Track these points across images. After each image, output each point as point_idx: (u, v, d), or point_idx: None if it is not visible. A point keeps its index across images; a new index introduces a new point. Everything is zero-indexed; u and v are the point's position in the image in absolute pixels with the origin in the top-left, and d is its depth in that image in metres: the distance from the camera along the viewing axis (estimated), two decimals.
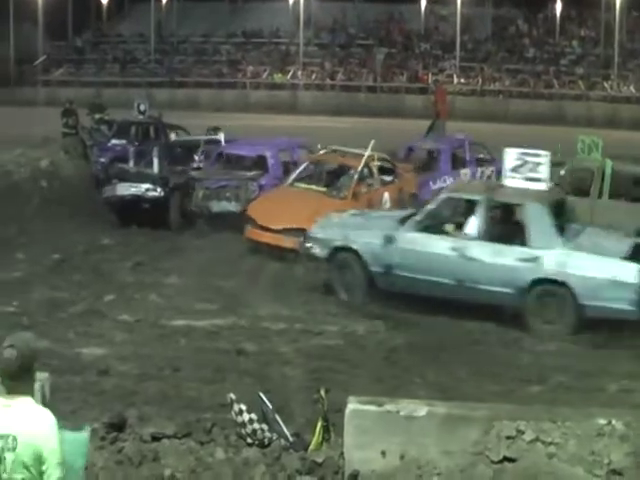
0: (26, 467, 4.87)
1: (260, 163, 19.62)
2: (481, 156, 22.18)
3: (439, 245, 13.62)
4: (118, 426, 8.45)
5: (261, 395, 8.13)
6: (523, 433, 7.06)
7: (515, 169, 13.91)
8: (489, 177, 20.80)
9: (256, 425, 7.92)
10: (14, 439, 4.84)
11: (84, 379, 10.82)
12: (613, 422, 7.07)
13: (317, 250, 14.48)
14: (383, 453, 7.19)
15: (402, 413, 7.23)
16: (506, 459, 7.00)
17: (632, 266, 12.70)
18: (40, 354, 5.06)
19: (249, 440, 7.91)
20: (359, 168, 17.47)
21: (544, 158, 13.90)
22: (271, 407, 8.07)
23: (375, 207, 17.17)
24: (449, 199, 14.26)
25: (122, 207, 18.82)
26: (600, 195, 17.23)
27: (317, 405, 7.96)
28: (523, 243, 13.21)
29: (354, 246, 14.09)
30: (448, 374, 11.31)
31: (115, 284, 15.01)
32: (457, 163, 21.46)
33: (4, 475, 4.88)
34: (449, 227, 13.82)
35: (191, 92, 45.06)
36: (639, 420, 7.15)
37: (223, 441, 8.06)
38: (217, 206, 18.38)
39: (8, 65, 46.98)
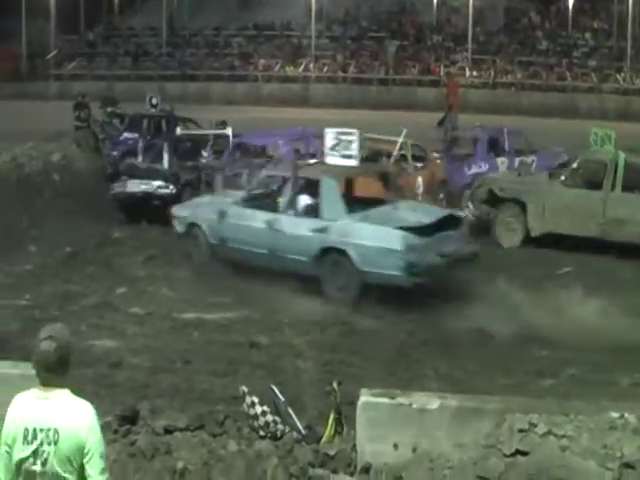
0: (68, 460, 4.81)
1: (275, 152, 20.29)
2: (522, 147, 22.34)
3: (257, 219, 14.89)
4: (130, 419, 8.47)
5: (273, 388, 8.14)
6: (535, 426, 7.04)
7: (333, 148, 14.97)
8: (528, 166, 20.99)
9: (269, 417, 7.92)
10: (55, 432, 4.78)
11: (96, 372, 10.85)
12: (626, 415, 7.05)
13: (177, 226, 16.11)
14: (395, 446, 7.19)
15: (414, 406, 7.23)
16: (518, 452, 6.98)
17: (397, 233, 13.50)
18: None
19: (261, 432, 7.91)
20: (394, 153, 18.62)
21: (354, 136, 14.81)
22: (283, 400, 8.08)
23: (409, 190, 18.01)
24: (267, 177, 15.91)
25: (131, 204, 18.89)
26: (613, 188, 17.17)
27: (329, 398, 7.96)
28: (317, 215, 14.28)
29: (198, 222, 15.62)
30: (460, 367, 11.30)
31: (127, 277, 15.04)
32: (495, 151, 21.77)
33: (46, 468, 4.80)
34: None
35: (203, 85, 45.05)
36: None
37: (235, 433, 8.07)
38: None
39: (20, 60, 47.08)
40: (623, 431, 6.99)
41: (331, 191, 14.32)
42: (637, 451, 6.91)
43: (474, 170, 20.93)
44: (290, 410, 7.99)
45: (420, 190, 18.69)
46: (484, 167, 21.02)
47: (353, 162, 14.79)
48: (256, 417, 7.95)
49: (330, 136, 15.10)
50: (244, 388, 8.12)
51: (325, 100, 42.49)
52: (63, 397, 4.84)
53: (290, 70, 46.79)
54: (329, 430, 7.75)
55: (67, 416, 4.80)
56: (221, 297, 13.86)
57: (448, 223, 14.32)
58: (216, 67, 47.29)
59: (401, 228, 13.62)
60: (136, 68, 46.96)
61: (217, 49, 49.51)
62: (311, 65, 46.87)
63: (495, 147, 21.88)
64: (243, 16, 52.08)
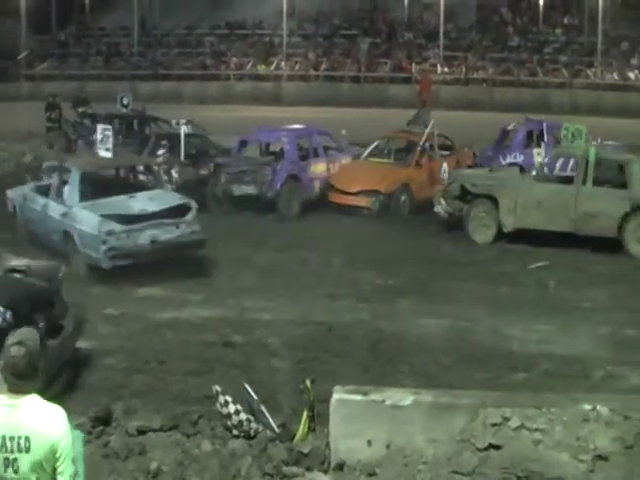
0: (41, 466, 4.74)
1: (277, 149, 21.10)
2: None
3: (38, 203, 16.56)
4: (104, 420, 8.45)
5: (246, 386, 8.14)
6: (509, 420, 7.06)
7: (101, 142, 16.84)
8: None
9: (242, 416, 7.92)
10: (27, 440, 4.70)
11: (70, 372, 10.79)
12: (598, 408, 7.08)
13: (9, 206, 17.80)
14: (369, 442, 7.20)
15: (388, 402, 7.23)
16: (492, 446, 7.01)
17: (97, 220, 14.81)
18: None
19: (235, 432, 7.91)
20: (421, 142, 20.62)
21: (109, 132, 16.79)
22: (257, 398, 8.08)
23: (435, 175, 20.29)
24: (49, 167, 17.50)
25: None
26: (584, 182, 17.25)
27: (303, 396, 7.96)
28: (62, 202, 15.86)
29: (15, 203, 17.60)
30: (434, 362, 11.32)
31: (100, 277, 14.97)
32: (532, 142, 22.26)
33: (19, 475, 4.72)
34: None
35: (175, 84, 44.86)
36: (624, 405, 7.17)
37: (209, 433, 8.06)
38: (238, 189, 19.67)
39: None
40: (596, 423, 7.02)
41: (74, 180, 15.73)
42: (610, 443, 6.95)
43: (509, 160, 21.85)
44: (263, 408, 7.99)
45: (445, 175, 20.21)
46: (519, 158, 21.80)
47: (109, 154, 16.69)
48: (230, 416, 7.95)
49: (99, 131, 16.99)
50: (217, 387, 8.10)
51: (297, 98, 42.41)
52: (33, 403, 4.77)
53: (262, 68, 46.71)
54: (303, 428, 7.75)
55: (39, 422, 4.73)
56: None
57: (179, 211, 15.44)
58: (188, 66, 47.14)
59: (107, 216, 14.87)
60: (108, 68, 46.75)
61: (189, 48, 49.35)
62: (283, 63, 46.80)
63: (532, 139, 22.41)
64: (215, 15, 51.95)
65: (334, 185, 20.11)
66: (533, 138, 22.39)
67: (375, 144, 21.46)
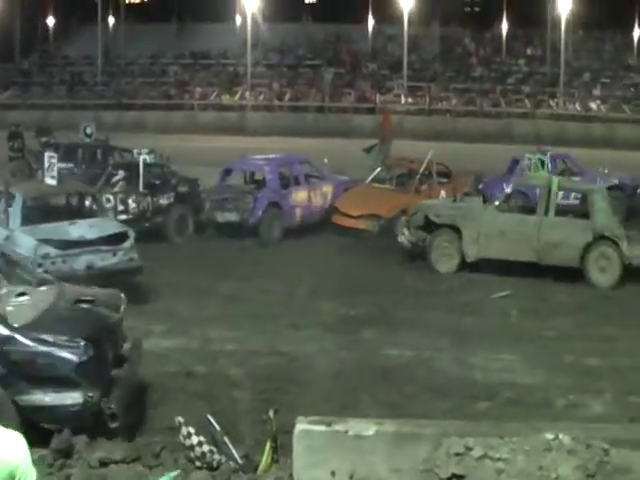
0: None
1: (260, 177, 21.77)
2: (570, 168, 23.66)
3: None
4: (66, 452, 8.37)
5: (209, 417, 8.09)
6: (471, 449, 7.06)
7: (47, 169, 16.85)
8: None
9: (205, 448, 7.88)
10: None
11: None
12: (560, 436, 7.10)
13: None
14: (332, 473, 7.17)
15: (351, 432, 7.22)
16: (455, 476, 7.00)
17: (33, 244, 14.90)
18: None
19: (198, 463, 7.86)
20: (420, 170, 21.56)
21: (54, 160, 16.77)
22: (220, 429, 8.04)
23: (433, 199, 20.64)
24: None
25: None
26: (547, 212, 17.38)
27: (266, 426, 7.93)
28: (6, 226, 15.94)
29: None
30: (397, 392, 11.31)
31: None
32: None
33: None
34: None
35: (139, 114, 44.84)
36: (586, 434, 7.19)
37: (172, 464, 8.00)
38: (221, 216, 20.34)
39: None
40: (558, 452, 7.04)
41: (17, 205, 15.88)
42: (572, 472, 6.96)
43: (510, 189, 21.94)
44: (226, 439, 7.95)
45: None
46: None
47: (54, 182, 16.60)
48: (192, 447, 7.90)
49: (46, 159, 16.96)
50: (180, 419, 8.06)
51: (262, 128, 42.55)
52: None
53: (226, 98, 46.82)
54: (266, 459, 7.72)
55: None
56: None
57: (118, 239, 15.56)
58: (152, 96, 47.17)
59: (44, 240, 14.93)
60: (71, 97, 46.67)
61: (153, 78, 49.44)
62: (247, 93, 46.93)
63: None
64: (179, 44, 52.11)
65: (338, 208, 21.07)
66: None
67: (377, 171, 22.61)
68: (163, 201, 20.16)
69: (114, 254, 15.34)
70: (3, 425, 4.61)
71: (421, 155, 22.34)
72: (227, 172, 21.70)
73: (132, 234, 15.76)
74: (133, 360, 10.51)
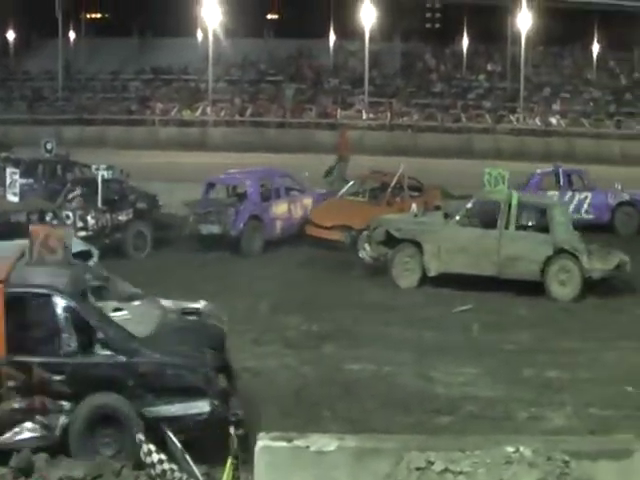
0: None
1: (242, 191, 22.16)
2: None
3: None
4: (26, 470, 8.31)
5: (170, 435, 8.05)
6: (433, 464, 7.06)
7: (9, 185, 16.61)
8: (581, 201, 23.35)
9: (166, 465, 7.83)
10: None
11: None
12: (521, 449, 7.12)
13: None
14: None
15: (312, 448, 7.19)
16: None
17: None
18: None
19: None
20: (392, 183, 21.90)
21: (16, 176, 16.43)
22: (180, 447, 7.99)
23: (404, 212, 20.67)
24: None
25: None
26: (507, 227, 17.49)
27: (227, 443, 7.89)
28: None
29: None
30: (358, 407, 11.31)
31: None
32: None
33: None
34: None
35: (99, 129, 44.62)
36: (547, 446, 7.22)
37: None
38: (205, 229, 20.70)
39: None
40: (519, 465, 7.05)
41: None
42: None
43: None
44: (187, 457, 7.91)
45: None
46: None
47: (16, 198, 16.42)
48: (153, 465, 7.86)
49: (8, 175, 16.70)
50: (141, 436, 8.01)
51: (223, 144, 42.46)
52: None
53: (188, 114, 46.71)
54: (227, 476, 7.68)
55: None
56: None
57: (82, 258, 14.94)
58: (113, 111, 46.97)
59: None
60: (32, 112, 46.36)
61: (114, 93, 49.26)
62: (209, 109, 46.86)
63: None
64: (140, 60, 51.99)
65: (312, 219, 21.43)
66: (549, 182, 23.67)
67: (351, 184, 23.22)
68: (122, 217, 20.14)
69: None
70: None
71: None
72: (210, 186, 22.11)
73: (95, 252, 15.56)
74: (235, 371, 10.67)
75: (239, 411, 9.29)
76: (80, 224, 19.41)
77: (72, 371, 9.29)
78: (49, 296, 9.50)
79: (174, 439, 8.02)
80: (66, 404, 9.19)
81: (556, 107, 46.76)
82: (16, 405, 9.12)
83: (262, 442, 7.22)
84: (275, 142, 42.52)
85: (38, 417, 9.12)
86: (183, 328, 10.31)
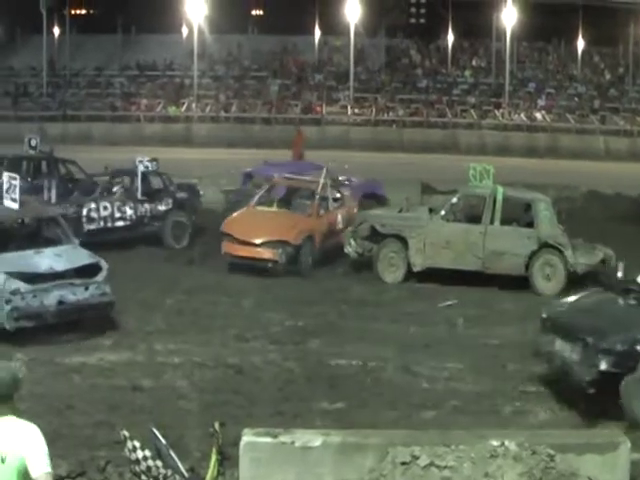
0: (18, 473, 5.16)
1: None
2: None
3: None
4: None
5: (154, 431, 8.02)
6: (418, 458, 7.09)
7: (7, 191, 15.07)
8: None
9: (150, 462, 7.80)
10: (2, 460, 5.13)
11: None
12: (506, 443, 7.15)
13: None
14: None
15: (297, 444, 7.20)
16: None
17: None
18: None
19: (144, 477, 7.79)
20: (318, 191, 19.44)
21: (15, 181, 14.95)
22: (165, 443, 7.97)
23: (332, 224, 19.41)
24: None
25: None
26: (492, 221, 17.53)
27: (212, 439, 7.88)
28: None
29: None
30: (343, 402, 11.32)
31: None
32: None
33: None
34: None
35: (84, 126, 44.53)
36: (531, 440, 7.25)
37: (117, 479, 7.94)
38: None
39: None
40: (504, 459, 7.09)
41: None
42: (518, 478, 7.02)
43: None
44: (172, 453, 7.89)
45: (341, 225, 19.54)
46: None
47: (15, 205, 14.95)
48: (138, 462, 7.82)
49: (5, 180, 15.27)
50: (125, 432, 7.98)
51: (208, 139, 42.45)
52: (8, 424, 5.22)
53: (173, 110, 46.64)
54: (212, 472, 7.67)
55: (14, 441, 5.17)
56: None
57: (89, 270, 14.34)
58: (98, 107, 46.86)
59: (12, 273, 13.65)
60: (16, 109, 46.19)
61: (98, 89, 49.08)
62: (194, 105, 46.81)
63: None
64: (125, 56, 51.82)
65: (231, 234, 18.54)
66: None
67: (262, 192, 20.18)
68: (161, 207, 20.49)
69: (86, 288, 14.10)
70: None
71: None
72: (248, 176, 22.81)
73: (105, 265, 14.57)
74: None
75: None
76: (118, 214, 19.70)
77: None
78: None
79: (159, 435, 7.98)
80: None
81: (541, 102, 46.87)
82: None
83: (247, 438, 7.24)
84: (260, 138, 42.53)
85: None
86: None
